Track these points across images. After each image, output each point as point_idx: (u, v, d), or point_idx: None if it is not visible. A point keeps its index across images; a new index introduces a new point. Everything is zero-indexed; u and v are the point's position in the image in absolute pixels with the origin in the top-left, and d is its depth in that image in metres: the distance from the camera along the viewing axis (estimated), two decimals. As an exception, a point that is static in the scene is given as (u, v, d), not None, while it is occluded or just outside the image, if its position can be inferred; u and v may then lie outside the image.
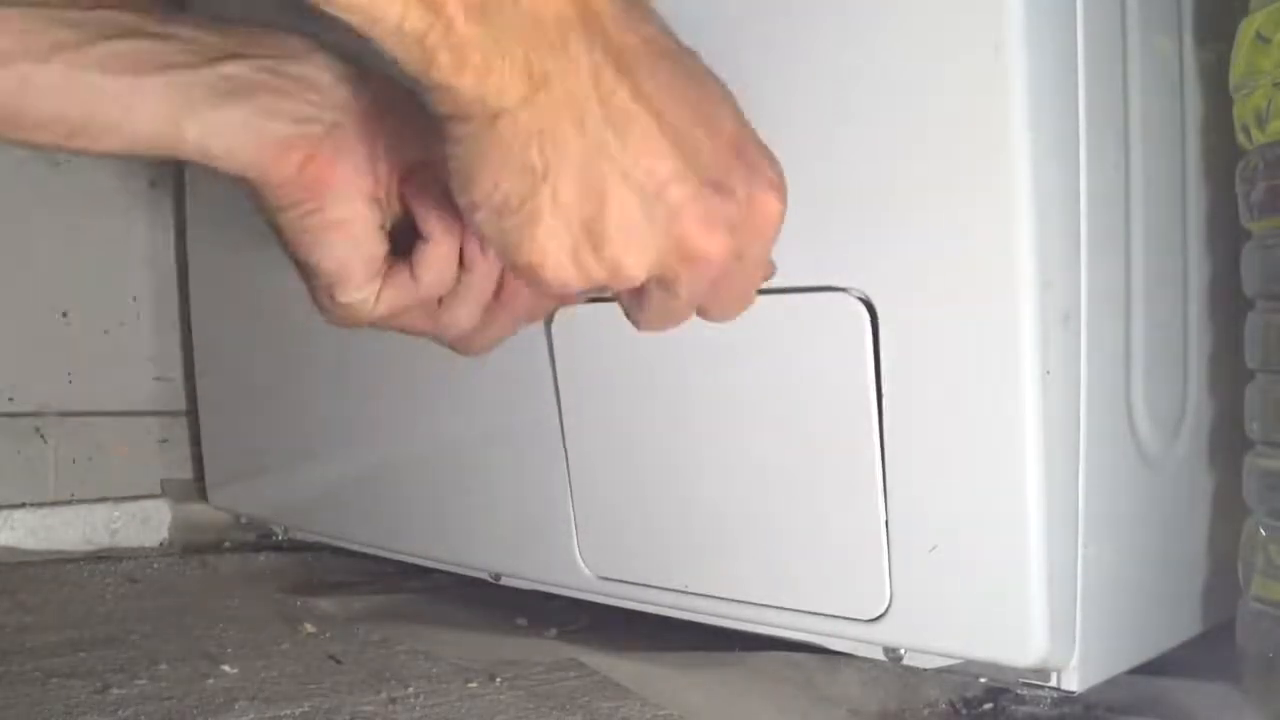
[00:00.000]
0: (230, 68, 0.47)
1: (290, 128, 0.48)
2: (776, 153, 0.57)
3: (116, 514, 1.01)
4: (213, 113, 0.47)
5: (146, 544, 1.02)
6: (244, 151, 0.48)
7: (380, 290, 0.51)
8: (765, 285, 0.51)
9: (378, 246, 0.51)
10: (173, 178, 1.08)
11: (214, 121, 0.47)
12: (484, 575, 0.78)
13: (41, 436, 1.01)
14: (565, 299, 0.56)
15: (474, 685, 0.62)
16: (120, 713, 0.57)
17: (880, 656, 0.57)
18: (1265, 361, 0.56)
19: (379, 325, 0.53)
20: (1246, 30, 0.55)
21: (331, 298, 0.51)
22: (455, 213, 0.47)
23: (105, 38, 0.45)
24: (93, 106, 0.46)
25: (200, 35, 0.48)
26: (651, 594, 0.66)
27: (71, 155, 0.47)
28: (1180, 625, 0.63)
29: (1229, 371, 0.63)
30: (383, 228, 0.51)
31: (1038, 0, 0.50)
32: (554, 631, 0.74)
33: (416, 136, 0.49)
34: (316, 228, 0.50)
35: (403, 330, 0.54)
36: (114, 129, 0.46)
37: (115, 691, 0.60)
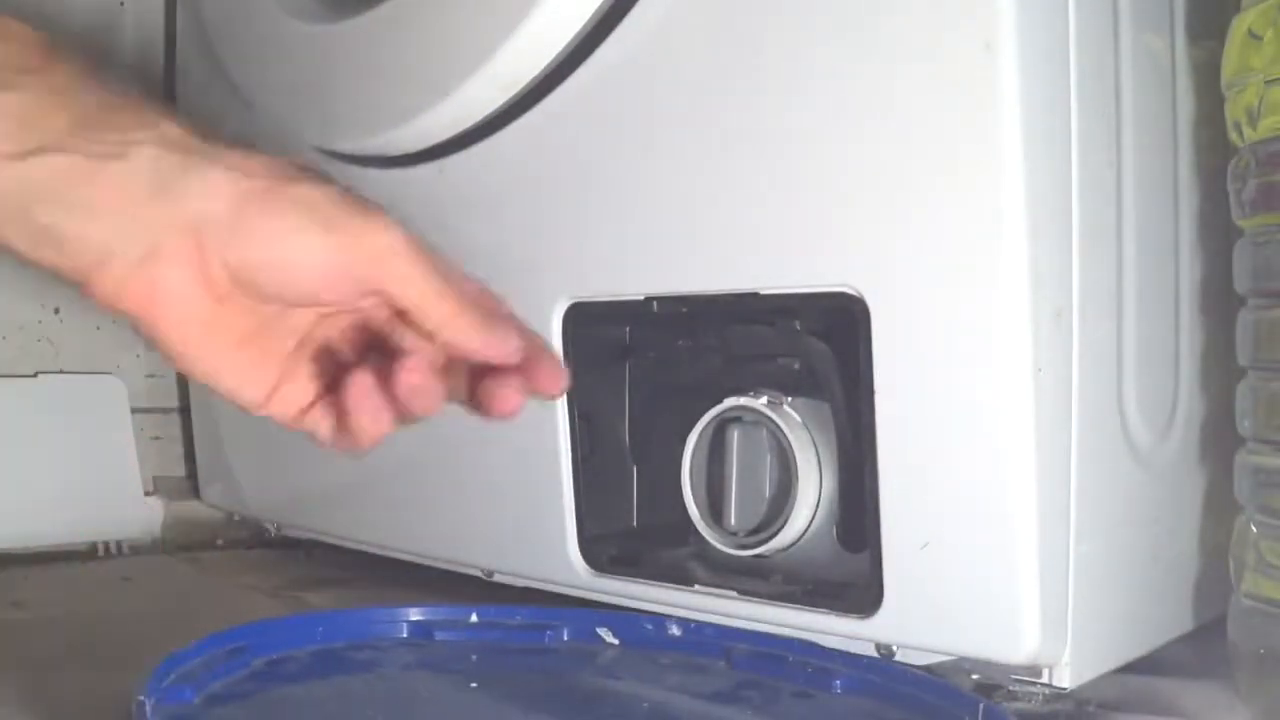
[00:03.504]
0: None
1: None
2: (771, 151, 0.57)
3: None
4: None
5: (139, 541, 1.01)
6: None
7: (305, 418, 0.48)
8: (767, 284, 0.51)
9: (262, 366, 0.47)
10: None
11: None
12: (476, 572, 0.78)
13: (34, 433, 1.01)
14: None
15: (467, 682, 0.63)
16: (114, 711, 0.57)
17: (873, 653, 0.57)
18: (1256, 359, 0.56)
19: None
20: (1238, 28, 0.55)
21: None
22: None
23: None
24: None
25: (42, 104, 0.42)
26: (644, 590, 0.66)
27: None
28: (1172, 622, 0.63)
29: (1220, 369, 0.63)
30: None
31: (1030, -3, 0.50)
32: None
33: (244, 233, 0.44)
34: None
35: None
36: None
37: (107, 688, 0.60)
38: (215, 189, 0.43)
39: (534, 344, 0.49)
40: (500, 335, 0.47)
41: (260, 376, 0.47)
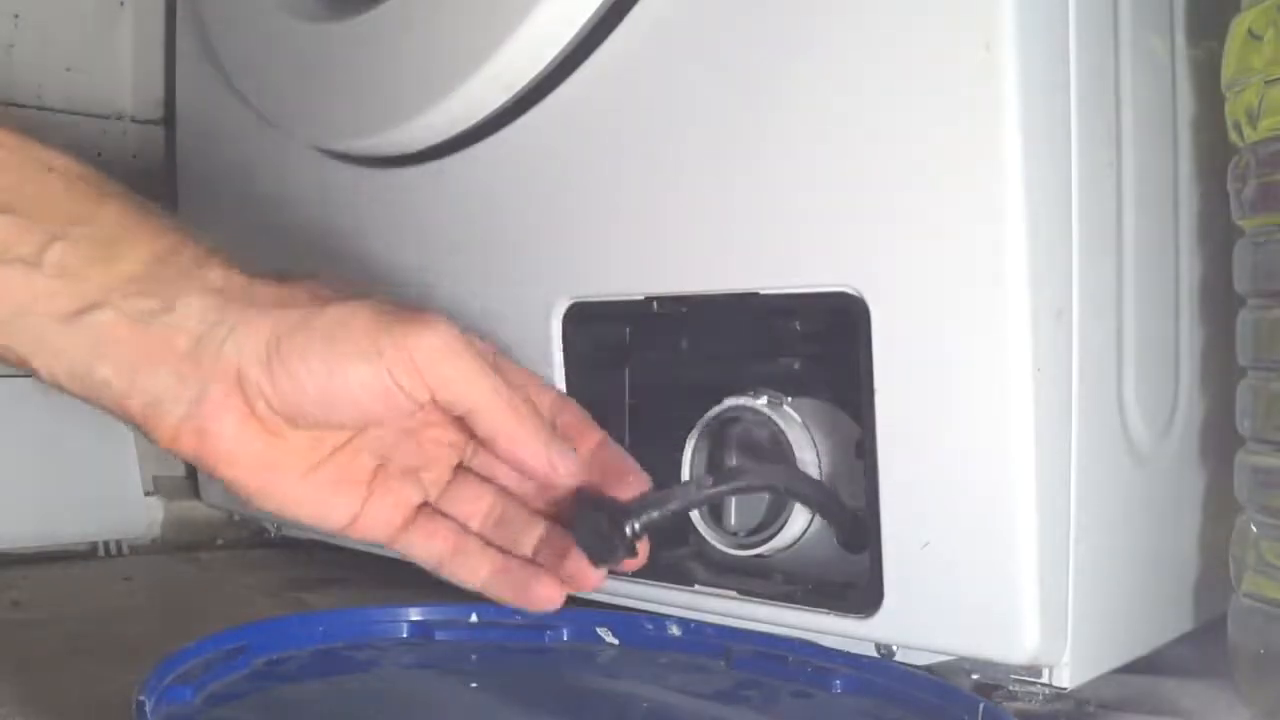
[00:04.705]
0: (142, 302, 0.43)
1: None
2: (770, 151, 0.57)
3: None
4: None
5: (139, 541, 1.01)
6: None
7: (400, 538, 0.49)
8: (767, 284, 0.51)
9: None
10: (163, 172, 1.07)
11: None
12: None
13: (34, 433, 1.01)
14: None
15: (467, 682, 0.63)
16: (114, 711, 0.57)
17: (873, 653, 0.57)
18: (1256, 358, 0.56)
19: None
20: (1238, 28, 0.55)
21: None
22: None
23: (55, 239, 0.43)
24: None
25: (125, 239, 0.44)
26: (644, 590, 0.66)
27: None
28: (1172, 621, 0.63)
29: (1220, 368, 0.63)
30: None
31: (1030, -3, 0.50)
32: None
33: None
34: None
35: None
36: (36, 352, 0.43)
37: (107, 688, 0.60)
38: (254, 333, 0.43)
39: (616, 463, 0.50)
40: (560, 449, 0.46)
41: (341, 503, 0.48)
